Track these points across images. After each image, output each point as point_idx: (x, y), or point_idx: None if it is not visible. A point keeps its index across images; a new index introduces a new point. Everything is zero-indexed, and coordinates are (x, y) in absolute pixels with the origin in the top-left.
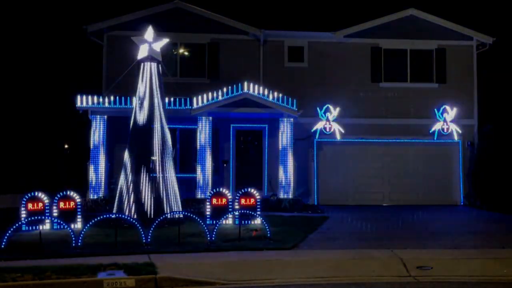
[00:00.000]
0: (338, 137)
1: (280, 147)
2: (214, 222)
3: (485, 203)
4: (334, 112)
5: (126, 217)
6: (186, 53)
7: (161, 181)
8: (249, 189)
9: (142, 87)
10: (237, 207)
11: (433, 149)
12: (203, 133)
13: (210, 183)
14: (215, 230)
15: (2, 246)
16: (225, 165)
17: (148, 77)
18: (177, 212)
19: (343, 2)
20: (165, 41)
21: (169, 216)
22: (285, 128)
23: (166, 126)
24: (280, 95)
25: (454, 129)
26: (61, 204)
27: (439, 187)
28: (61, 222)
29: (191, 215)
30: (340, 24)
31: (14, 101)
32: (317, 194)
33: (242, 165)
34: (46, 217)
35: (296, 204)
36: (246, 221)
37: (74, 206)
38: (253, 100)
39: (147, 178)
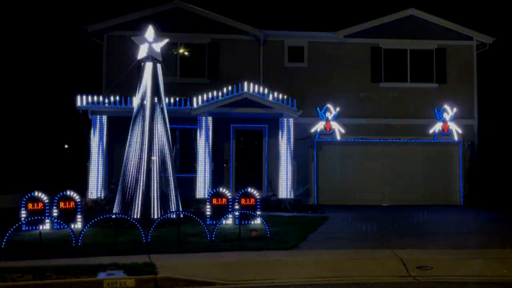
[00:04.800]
0: (338, 137)
1: (280, 147)
2: (214, 222)
3: (485, 203)
4: (334, 112)
5: (126, 217)
6: (186, 53)
7: (161, 181)
8: (249, 189)
9: (142, 87)
10: (237, 207)
11: (433, 149)
12: (203, 133)
13: (210, 183)
14: (215, 230)
15: (2, 246)
16: (225, 165)
17: (148, 77)
18: (177, 212)
19: (343, 2)
20: (165, 41)
21: (169, 216)
22: (285, 128)
23: (167, 126)
24: (280, 95)
25: (454, 129)
26: (61, 204)
27: (439, 187)
28: (61, 222)
29: (191, 215)
30: (340, 24)
31: (14, 101)
32: (317, 194)
33: (242, 165)
34: (46, 217)
35: (296, 204)
36: (246, 221)
37: (74, 206)
38: (253, 100)
39: (147, 178)
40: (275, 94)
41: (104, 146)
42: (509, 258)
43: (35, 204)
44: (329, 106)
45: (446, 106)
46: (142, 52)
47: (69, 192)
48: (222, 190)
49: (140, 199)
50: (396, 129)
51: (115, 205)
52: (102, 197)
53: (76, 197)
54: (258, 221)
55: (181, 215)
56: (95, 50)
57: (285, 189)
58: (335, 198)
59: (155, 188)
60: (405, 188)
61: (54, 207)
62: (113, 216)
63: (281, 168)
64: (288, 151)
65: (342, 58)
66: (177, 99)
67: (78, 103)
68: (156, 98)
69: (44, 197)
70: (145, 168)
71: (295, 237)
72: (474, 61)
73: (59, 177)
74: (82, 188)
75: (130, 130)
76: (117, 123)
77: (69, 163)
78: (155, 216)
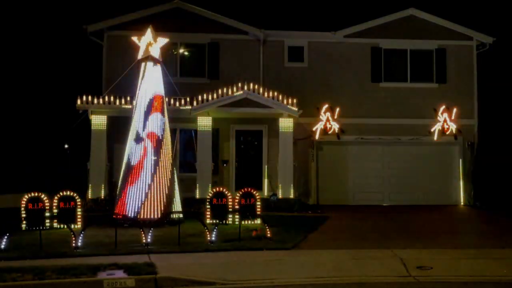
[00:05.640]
0: (338, 137)
1: (280, 147)
2: (214, 222)
3: (485, 203)
4: (334, 112)
5: (126, 217)
6: (186, 53)
7: (161, 181)
8: (249, 189)
9: (142, 87)
10: (237, 207)
11: (433, 149)
12: (203, 133)
13: (210, 183)
14: (215, 230)
15: (2, 246)
16: (225, 165)
17: (147, 77)
18: (177, 212)
19: (343, 2)
20: (165, 41)
21: (169, 216)
22: (285, 128)
23: (167, 126)
24: (280, 95)
25: (454, 129)
26: (61, 204)
27: (439, 187)
28: (61, 222)
29: (191, 215)
30: (340, 24)
31: (14, 101)
32: (317, 194)
33: (242, 165)
34: (46, 217)
35: (296, 204)
36: (246, 221)
37: (74, 206)
38: (253, 100)
39: (147, 178)
40: (275, 94)
41: (104, 146)
42: (509, 258)
43: (35, 204)
44: (329, 106)
45: (446, 106)
46: (142, 52)
47: (69, 192)
48: (222, 190)
49: (140, 199)
50: (396, 129)
51: (115, 205)
52: (102, 197)
53: (76, 197)
54: (258, 221)
55: (181, 215)
56: (95, 50)
57: (285, 189)
58: (335, 198)
59: (155, 188)
60: (405, 188)
61: (54, 207)
62: (114, 216)
63: (281, 168)
64: (288, 151)
65: (342, 58)
66: (177, 99)
67: (78, 103)
68: (155, 98)
69: (44, 197)
70: (145, 168)
71: (295, 237)
72: (474, 61)
73: (59, 177)
74: (82, 188)
75: (130, 130)
76: (117, 123)
77: (69, 163)
78: (155, 216)
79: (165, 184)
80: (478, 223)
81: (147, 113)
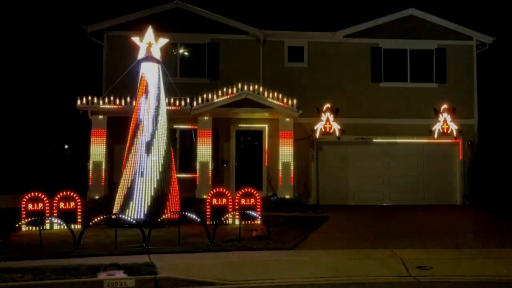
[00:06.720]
0: (338, 137)
1: (280, 147)
2: (214, 222)
3: (485, 203)
4: (334, 112)
5: (126, 217)
6: (186, 53)
7: (161, 181)
8: (249, 189)
9: (142, 87)
10: (237, 207)
11: (433, 149)
12: (203, 133)
13: (210, 183)
14: (215, 230)
15: (2, 246)
16: (225, 165)
17: (147, 77)
18: (177, 212)
19: (343, 2)
20: (165, 41)
21: (169, 216)
22: (285, 128)
23: (166, 126)
24: (280, 95)
25: (454, 129)
26: (61, 204)
27: (439, 187)
28: (61, 222)
29: (191, 215)
30: (340, 24)
31: (14, 101)
32: (317, 194)
33: (242, 165)
34: (46, 217)
35: (296, 204)
36: (246, 221)
37: (74, 206)
38: (253, 100)
39: (147, 179)
40: (275, 94)
41: (104, 146)
42: (509, 258)
43: (35, 204)
44: (329, 106)
45: (446, 106)
46: (142, 52)
47: (69, 192)
48: (222, 190)
49: (140, 199)
50: (396, 129)
51: (115, 205)
52: (102, 197)
53: (76, 197)
54: (258, 221)
55: (181, 215)
56: (95, 50)
57: (285, 189)
58: (335, 198)
59: (155, 188)
60: (405, 188)
61: (54, 207)
62: (113, 216)
63: (281, 168)
64: (288, 151)
65: (342, 58)
66: (177, 99)
67: (78, 103)
68: (156, 98)
69: (44, 197)
70: (145, 168)
71: (295, 237)
72: (474, 61)
73: (59, 177)
74: (82, 188)
75: (130, 130)
76: (117, 123)
77: (69, 163)
78: (155, 216)
79: (165, 184)
80: (478, 223)
81: (147, 113)
